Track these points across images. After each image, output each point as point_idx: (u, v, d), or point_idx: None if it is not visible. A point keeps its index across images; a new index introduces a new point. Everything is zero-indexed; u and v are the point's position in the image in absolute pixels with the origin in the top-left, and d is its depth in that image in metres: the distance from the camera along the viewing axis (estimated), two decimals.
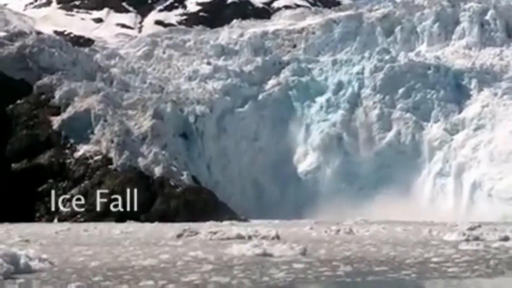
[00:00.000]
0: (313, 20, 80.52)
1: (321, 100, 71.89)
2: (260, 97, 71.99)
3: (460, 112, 68.37)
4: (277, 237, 25.66)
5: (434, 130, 67.66)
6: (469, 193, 63.44)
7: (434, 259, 18.07)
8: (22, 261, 15.27)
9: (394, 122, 68.61)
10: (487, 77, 69.75)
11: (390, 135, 68.40)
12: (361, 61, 72.56)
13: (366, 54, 72.94)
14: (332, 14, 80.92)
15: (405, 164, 66.80)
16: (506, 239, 25.30)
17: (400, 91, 69.73)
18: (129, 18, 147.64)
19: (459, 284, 14.35)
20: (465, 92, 69.83)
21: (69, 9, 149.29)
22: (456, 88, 70.11)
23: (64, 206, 57.28)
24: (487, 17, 75.00)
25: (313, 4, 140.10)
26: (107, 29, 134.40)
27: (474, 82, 69.70)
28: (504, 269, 16.14)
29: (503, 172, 62.19)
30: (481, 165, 64.33)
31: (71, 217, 56.21)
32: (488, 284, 14.50)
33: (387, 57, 71.95)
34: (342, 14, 79.85)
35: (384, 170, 67.07)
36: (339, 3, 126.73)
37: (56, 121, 62.54)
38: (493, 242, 23.89)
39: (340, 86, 71.74)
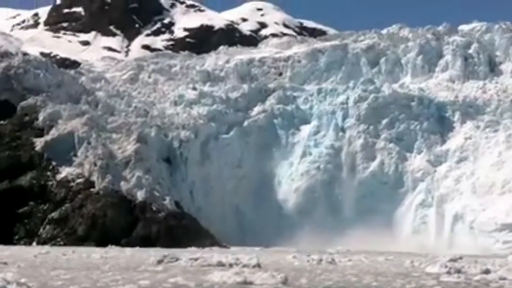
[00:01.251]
0: (299, 49, 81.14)
1: (305, 128, 72.10)
2: (245, 124, 72.09)
3: (443, 143, 68.83)
4: (258, 265, 25.50)
5: (417, 161, 67.97)
6: (450, 225, 63.59)
7: None
8: None
9: (378, 152, 68.90)
10: (470, 110, 70.40)
11: (373, 164, 68.59)
12: (346, 91, 73.02)
13: (351, 84, 73.43)
14: (318, 44, 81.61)
15: (388, 194, 66.95)
16: (487, 272, 25.30)
17: (384, 121, 70.16)
18: (116, 41, 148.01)
19: None
20: (448, 124, 70.38)
21: (56, 31, 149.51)
22: (439, 120, 70.68)
23: (44, 229, 56.69)
24: (470, 51, 76.00)
25: (299, 33, 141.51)
26: (94, 52, 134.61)
27: (457, 114, 70.30)
28: None
29: (484, 204, 62.47)
30: (463, 197, 64.62)
31: (51, 240, 55.58)
32: None
33: (371, 88, 72.44)
34: (327, 44, 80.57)
35: (367, 200, 67.13)
36: (324, 33, 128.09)
37: (39, 143, 62.17)
38: (474, 275, 23.87)
39: (325, 115, 72.04)
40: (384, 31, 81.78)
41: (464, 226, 62.53)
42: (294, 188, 68.97)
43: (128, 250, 44.67)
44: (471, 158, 67.08)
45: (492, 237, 59.86)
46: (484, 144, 67.50)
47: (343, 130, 70.71)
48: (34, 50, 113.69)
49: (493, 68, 75.50)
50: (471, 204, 63.14)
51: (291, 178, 69.51)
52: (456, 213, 63.63)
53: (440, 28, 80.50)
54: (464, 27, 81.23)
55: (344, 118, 71.13)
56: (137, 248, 48.29)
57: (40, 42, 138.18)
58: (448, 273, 25.06)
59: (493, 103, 70.40)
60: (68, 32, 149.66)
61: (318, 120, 72.00)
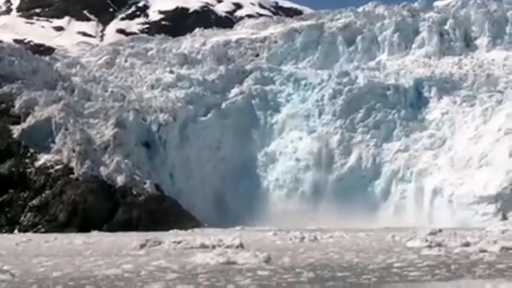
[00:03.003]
0: (275, 29, 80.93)
1: (284, 110, 72.22)
2: (223, 105, 71.96)
3: (422, 129, 68.71)
4: (241, 245, 25.64)
5: (396, 145, 68.20)
6: (429, 199, 64.21)
7: (397, 264, 18.26)
8: None
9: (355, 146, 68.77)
10: (447, 85, 70.82)
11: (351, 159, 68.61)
12: (321, 84, 72.12)
13: (325, 76, 72.51)
14: (294, 24, 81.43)
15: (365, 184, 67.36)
16: (467, 244, 25.68)
17: (360, 114, 69.60)
18: (90, 26, 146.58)
19: (416, 287, 14.54)
20: (425, 101, 70.73)
21: (29, 17, 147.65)
22: (416, 100, 70.56)
23: (25, 217, 56.43)
24: (446, 27, 76.33)
25: (275, 14, 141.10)
26: (68, 37, 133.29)
27: (433, 90, 70.70)
28: (463, 273, 16.39)
29: (463, 178, 63.12)
30: (442, 171, 65.23)
31: (32, 227, 55.39)
32: (445, 286, 14.71)
33: (345, 80, 71.45)
34: (304, 23, 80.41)
35: (347, 178, 67.58)
36: (300, 13, 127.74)
37: (16, 130, 61.62)
38: (454, 247, 24.21)
39: (298, 117, 71.34)
40: (360, 9, 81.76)
41: (443, 200, 63.18)
42: (273, 168, 69.15)
43: (110, 235, 44.65)
44: (448, 133, 67.64)
45: (471, 209, 60.60)
46: (461, 118, 68.04)
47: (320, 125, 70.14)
48: (7, 37, 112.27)
49: (469, 44, 75.92)
50: (449, 178, 63.78)
51: (270, 159, 69.64)
52: (435, 187, 64.24)
53: (416, 4, 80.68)
54: (439, 3, 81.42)
55: (320, 114, 70.47)
56: (119, 233, 48.28)
57: (13, 29, 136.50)
58: (429, 246, 25.40)
59: (469, 78, 70.86)
60: (41, 18, 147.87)
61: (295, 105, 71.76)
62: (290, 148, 69.75)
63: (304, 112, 71.11)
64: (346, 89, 70.61)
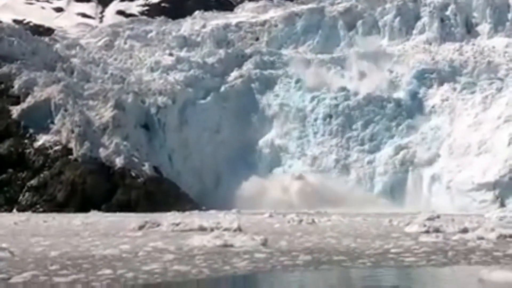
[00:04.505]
0: (275, 13, 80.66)
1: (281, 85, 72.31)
2: (222, 89, 71.88)
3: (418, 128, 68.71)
4: (239, 228, 25.68)
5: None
6: (428, 186, 64.30)
7: (393, 250, 18.28)
8: None
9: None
10: (447, 71, 70.64)
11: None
12: (315, 100, 71.02)
13: (320, 94, 71.05)
14: (295, 7, 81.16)
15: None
16: (465, 231, 25.71)
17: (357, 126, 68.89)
18: (90, 7, 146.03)
19: (410, 271, 14.61)
20: (426, 87, 70.58)
21: None
22: (415, 101, 69.82)
23: (23, 196, 56.54)
24: (447, 13, 76.01)
25: None
26: (68, 18, 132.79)
27: (434, 76, 70.57)
28: (460, 260, 16.42)
29: (461, 165, 63.16)
30: (441, 158, 65.26)
31: (31, 207, 55.54)
32: (440, 272, 14.75)
33: (342, 94, 70.31)
34: (304, 7, 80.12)
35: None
36: None
37: (15, 111, 61.59)
38: (452, 234, 24.24)
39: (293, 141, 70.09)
40: None
41: (441, 186, 63.29)
42: (270, 153, 69.23)
43: (108, 216, 44.71)
44: (448, 119, 67.59)
45: (469, 196, 60.70)
46: (461, 105, 67.98)
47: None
48: (6, 17, 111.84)
49: (470, 30, 75.65)
50: (448, 165, 63.83)
51: (269, 143, 69.66)
52: (434, 174, 64.31)
53: None
54: None
55: (316, 132, 69.96)
56: (117, 214, 48.35)
57: (13, 9, 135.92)
58: (427, 232, 25.43)
59: (469, 64, 70.70)
60: None
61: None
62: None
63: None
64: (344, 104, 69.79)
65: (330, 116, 69.16)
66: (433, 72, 70.62)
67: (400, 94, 70.14)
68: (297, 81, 72.31)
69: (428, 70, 71.00)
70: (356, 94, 70.09)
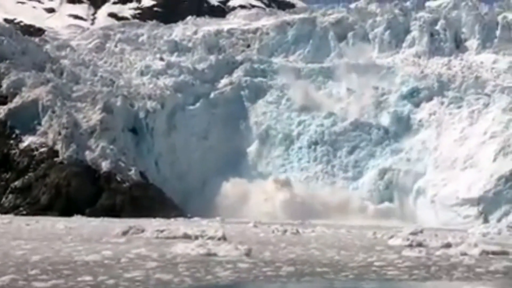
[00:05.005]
0: (267, 21, 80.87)
1: (271, 99, 72.37)
2: (212, 95, 71.87)
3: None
4: (224, 237, 25.63)
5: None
6: (413, 199, 64.48)
7: (377, 263, 18.32)
8: None
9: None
10: (435, 85, 70.99)
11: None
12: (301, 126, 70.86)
13: (306, 119, 70.79)
14: (287, 16, 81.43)
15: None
16: (448, 246, 25.81)
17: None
18: (82, 9, 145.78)
19: (391, 285, 14.63)
20: (414, 101, 70.90)
21: None
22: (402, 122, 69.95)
23: (6, 198, 56.10)
24: (437, 27, 76.54)
25: (268, 5, 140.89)
26: (59, 19, 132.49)
27: (422, 90, 70.93)
28: (442, 275, 16.47)
29: (446, 179, 63.41)
30: (426, 171, 65.48)
31: (13, 209, 55.09)
32: (421, 286, 14.80)
33: (328, 121, 70.16)
34: (296, 17, 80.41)
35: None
36: (293, 6, 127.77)
37: (2, 110, 61.24)
38: (435, 249, 24.32)
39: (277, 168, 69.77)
40: (352, 6, 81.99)
41: (426, 200, 63.46)
42: (258, 160, 69.25)
43: (92, 220, 44.48)
44: (434, 133, 67.90)
45: (453, 211, 60.87)
46: (448, 120, 68.33)
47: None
48: None
49: (459, 45, 76.16)
50: (434, 179, 64.06)
51: (257, 150, 69.67)
52: (419, 187, 64.53)
53: (408, 3, 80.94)
54: (431, 3, 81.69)
55: (300, 159, 69.52)
56: (102, 219, 48.10)
57: (4, 8, 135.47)
58: (410, 246, 25.51)
59: (457, 79, 71.10)
60: None
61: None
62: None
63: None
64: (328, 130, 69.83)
65: (316, 143, 68.96)
66: (421, 91, 70.75)
67: (387, 119, 69.65)
68: (287, 100, 72.01)
69: (415, 88, 71.14)
70: (343, 119, 69.76)
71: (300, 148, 69.43)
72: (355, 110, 70.15)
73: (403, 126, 69.26)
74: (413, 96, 71.07)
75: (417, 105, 70.48)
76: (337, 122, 69.86)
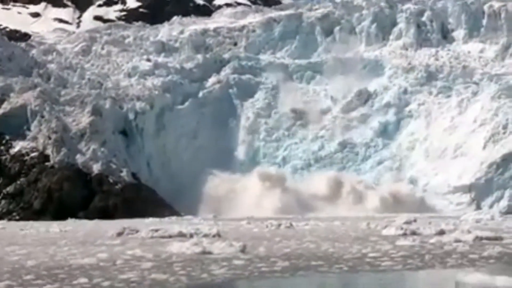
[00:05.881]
0: (253, 18, 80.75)
1: (260, 97, 72.38)
2: (200, 94, 71.81)
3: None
4: (218, 234, 25.69)
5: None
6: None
7: (371, 255, 18.40)
8: None
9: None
10: (423, 76, 71.20)
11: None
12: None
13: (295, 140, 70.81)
14: (273, 13, 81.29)
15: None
16: (441, 233, 26.00)
17: None
18: (67, 13, 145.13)
19: (385, 276, 14.70)
20: (403, 93, 71.10)
21: (5, 2, 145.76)
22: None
23: None
24: (423, 19, 76.62)
25: (253, 3, 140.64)
26: (45, 23, 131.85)
27: (410, 81, 71.16)
28: (436, 263, 16.56)
29: (438, 168, 63.71)
30: (417, 161, 65.76)
31: (7, 215, 54.95)
32: (415, 276, 14.88)
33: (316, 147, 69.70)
34: (282, 13, 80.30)
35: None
36: (279, 2, 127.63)
37: None
38: (429, 237, 24.48)
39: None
40: (338, 0, 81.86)
41: (418, 189, 63.77)
42: (250, 157, 69.30)
43: (86, 223, 44.42)
44: (424, 123, 68.15)
45: (446, 199, 61.24)
46: (437, 109, 68.60)
47: None
48: None
49: (446, 35, 76.32)
50: (425, 168, 64.33)
51: (247, 148, 69.72)
52: (411, 177, 64.79)
53: None
54: None
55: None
56: (96, 221, 48.07)
57: None
58: (404, 235, 25.66)
59: (445, 69, 71.34)
60: (17, 4, 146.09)
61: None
62: None
63: None
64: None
65: (302, 168, 69.00)
66: (410, 77, 70.95)
67: (372, 135, 69.41)
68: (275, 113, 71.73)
69: (405, 75, 71.35)
70: (330, 140, 69.69)
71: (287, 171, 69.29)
72: (342, 132, 69.69)
73: (388, 138, 68.99)
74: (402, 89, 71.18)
75: (405, 97, 70.53)
76: (324, 146, 69.58)
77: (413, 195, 62.81)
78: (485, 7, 76.46)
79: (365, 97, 71.20)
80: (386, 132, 69.41)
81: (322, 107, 71.54)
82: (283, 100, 72.35)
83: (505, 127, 63.90)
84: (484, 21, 75.57)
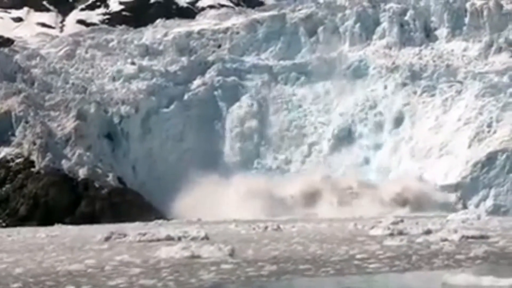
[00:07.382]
0: (237, 20, 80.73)
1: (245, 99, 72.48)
2: (185, 97, 71.74)
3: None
4: (206, 237, 25.68)
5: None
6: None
7: (358, 256, 18.46)
8: None
9: None
10: (407, 76, 71.49)
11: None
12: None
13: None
14: (256, 14, 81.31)
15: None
16: (428, 232, 26.14)
17: None
18: (49, 17, 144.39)
19: (371, 278, 14.75)
20: (385, 92, 71.41)
21: None
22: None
23: None
24: (406, 18, 76.86)
25: (237, 4, 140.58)
26: (27, 28, 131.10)
27: (394, 81, 71.45)
28: (423, 264, 16.65)
29: (423, 168, 63.98)
30: (403, 161, 66.02)
31: None
32: (400, 278, 14.94)
33: None
34: (265, 14, 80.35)
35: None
36: (262, 3, 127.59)
37: None
38: (416, 236, 24.61)
39: None
40: (321, 0, 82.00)
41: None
42: (236, 160, 69.31)
43: (73, 228, 44.23)
44: (409, 123, 68.45)
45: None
46: (422, 109, 68.90)
47: None
48: None
49: (429, 34, 76.58)
50: (411, 168, 64.59)
51: (233, 150, 69.72)
52: (397, 176, 65.01)
53: None
54: None
55: None
56: (82, 226, 47.87)
57: None
58: (391, 235, 25.78)
59: (429, 68, 71.63)
60: None
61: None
62: None
63: None
64: None
65: (288, 170, 69.29)
66: (394, 77, 71.29)
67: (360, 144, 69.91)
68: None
69: (388, 74, 71.71)
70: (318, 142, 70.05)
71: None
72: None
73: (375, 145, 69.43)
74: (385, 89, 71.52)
75: (389, 97, 70.88)
76: (310, 148, 70.02)
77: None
78: (467, 5, 76.73)
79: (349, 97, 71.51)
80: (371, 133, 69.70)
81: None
82: (268, 102, 72.44)
83: (489, 125, 64.31)
84: (467, 19, 75.87)
